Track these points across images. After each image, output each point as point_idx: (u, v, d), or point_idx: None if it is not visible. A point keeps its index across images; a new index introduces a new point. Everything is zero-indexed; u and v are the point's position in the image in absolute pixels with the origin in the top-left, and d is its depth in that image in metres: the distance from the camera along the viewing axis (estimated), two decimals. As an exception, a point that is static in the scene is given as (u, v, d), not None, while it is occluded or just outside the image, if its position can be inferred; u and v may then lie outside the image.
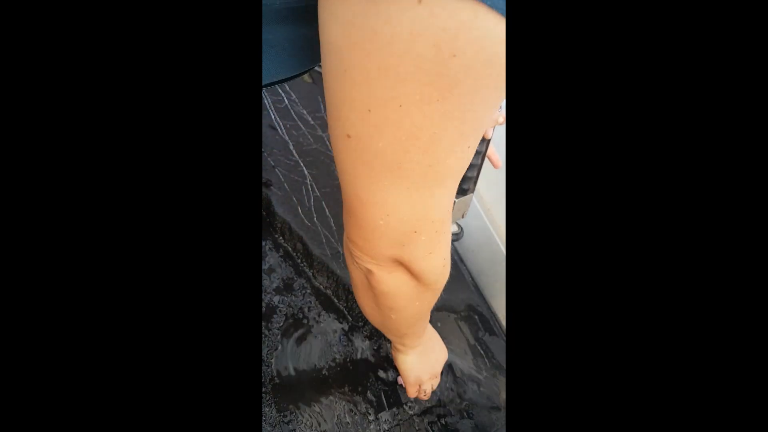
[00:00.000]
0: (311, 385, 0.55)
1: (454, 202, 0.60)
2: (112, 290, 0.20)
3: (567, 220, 0.22)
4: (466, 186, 0.59)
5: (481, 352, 0.72)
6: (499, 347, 0.75)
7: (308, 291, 0.64)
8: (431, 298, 0.41)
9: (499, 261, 0.84)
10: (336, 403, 0.55)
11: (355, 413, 0.56)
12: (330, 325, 0.62)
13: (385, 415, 0.58)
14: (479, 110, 0.24)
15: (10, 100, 0.18)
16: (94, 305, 0.20)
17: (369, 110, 0.23)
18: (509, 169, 0.24)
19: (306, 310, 0.62)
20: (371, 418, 0.57)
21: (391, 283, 0.36)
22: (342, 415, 0.55)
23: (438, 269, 0.36)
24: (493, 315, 0.81)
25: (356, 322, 0.65)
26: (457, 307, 0.77)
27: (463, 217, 0.63)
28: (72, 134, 0.19)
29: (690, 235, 0.21)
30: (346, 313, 0.65)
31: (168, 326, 0.21)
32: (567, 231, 0.22)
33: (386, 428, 0.57)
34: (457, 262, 0.86)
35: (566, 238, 0.22)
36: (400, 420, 0.58)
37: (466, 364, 0.69)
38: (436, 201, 0.28)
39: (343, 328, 0.63)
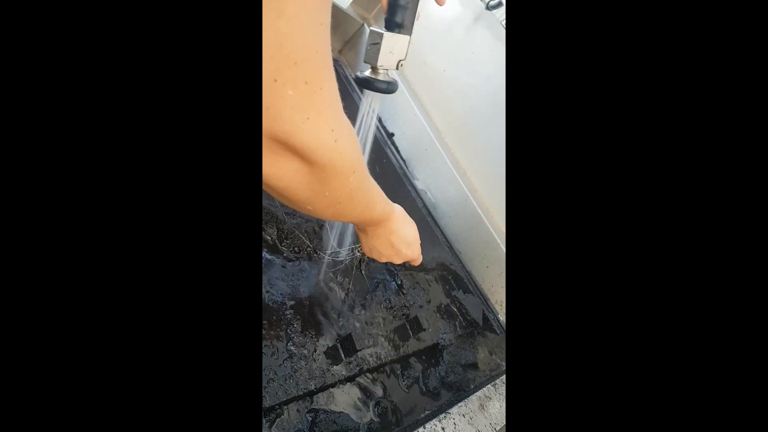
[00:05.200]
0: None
1: (381, 40, 0.45)
2: (110, 281, 0.20)
3: (566, 211, 0.23)
4: (399, 19, 0.45)
5: (455, 310, 0.76)
6: (473, 304, 0.79)
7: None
8: (343, 185, 0.30)
9: (475, 224, 0.87)
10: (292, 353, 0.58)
11: (324, 372, 0.58)
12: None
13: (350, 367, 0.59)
14: None
15: (8, 100, 0.18)
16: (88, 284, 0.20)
17: None
18: (509, 163, 0.26)
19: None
20: (336, 368, 0.58)
21: (282, 175, 0.27)
22: (304, 371, 0.57)
23: (326, 143, 0.26)
24: (468, 273, 0.85)
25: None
26: (428, 266, 0.79)
27: (399, 67, 0.49)
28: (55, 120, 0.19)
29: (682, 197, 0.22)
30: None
31: (168, 323, 0.21)
32: (567, 223, 0.23)
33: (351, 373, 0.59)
34: (430, 224, 0.89)
35: (566, 229, 0.23)
36: (375, 376, 0.59)
37: (440, 322, 0.72)
38: (291, 26, 0.21)
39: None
